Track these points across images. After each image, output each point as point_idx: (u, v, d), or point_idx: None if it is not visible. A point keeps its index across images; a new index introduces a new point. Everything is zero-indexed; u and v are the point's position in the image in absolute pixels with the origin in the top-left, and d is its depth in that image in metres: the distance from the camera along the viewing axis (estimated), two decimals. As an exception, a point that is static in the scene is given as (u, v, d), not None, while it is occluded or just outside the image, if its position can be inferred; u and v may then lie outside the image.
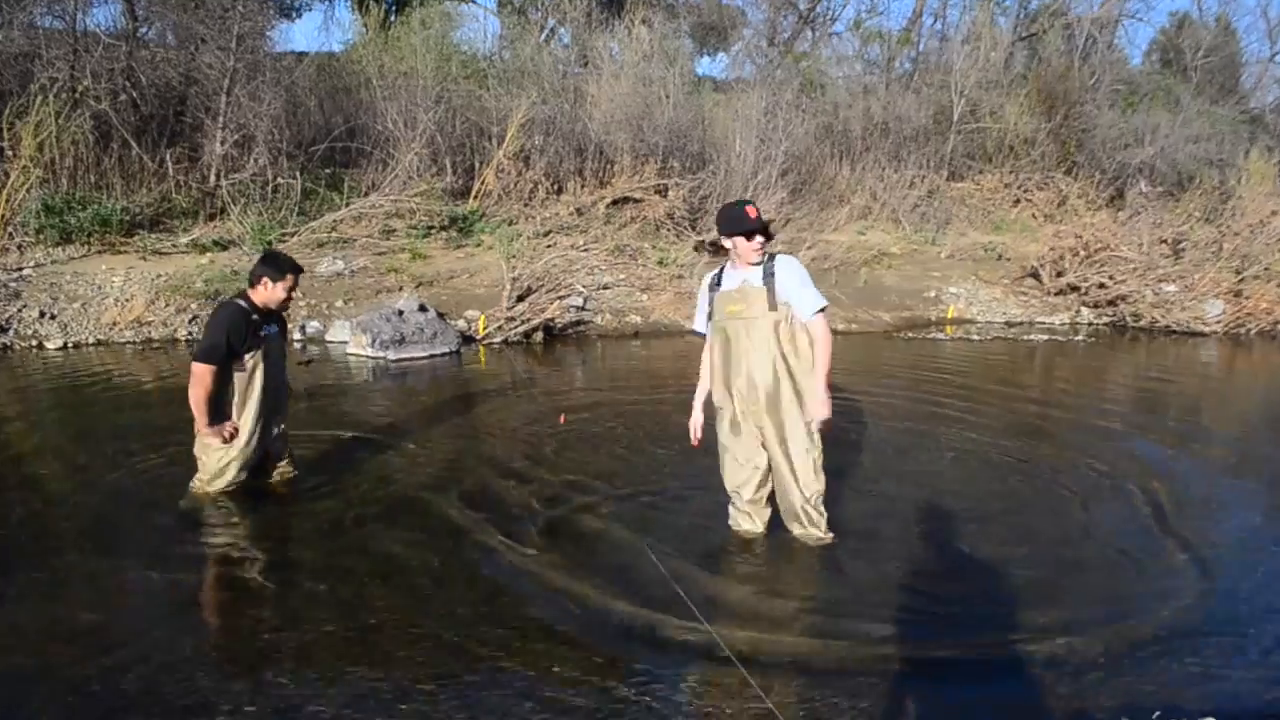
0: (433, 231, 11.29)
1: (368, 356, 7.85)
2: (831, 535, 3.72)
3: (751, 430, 3.65)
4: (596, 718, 2.56)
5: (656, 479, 4.66)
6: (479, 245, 11.16)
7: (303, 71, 12.59)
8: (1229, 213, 14.17)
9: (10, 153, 9.38)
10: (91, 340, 7.99)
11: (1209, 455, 5.53)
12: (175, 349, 8.00)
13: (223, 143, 10.67)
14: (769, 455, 3.66)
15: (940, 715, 2.69)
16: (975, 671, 2.89)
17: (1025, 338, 10.51)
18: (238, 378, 3.92)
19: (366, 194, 11.40)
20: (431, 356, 8.03)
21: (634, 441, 5.36)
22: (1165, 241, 12.63)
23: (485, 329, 8.83)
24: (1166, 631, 3.12)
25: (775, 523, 3.79)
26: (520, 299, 9.15)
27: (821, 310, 3.51)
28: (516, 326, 8.84)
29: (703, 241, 11.90)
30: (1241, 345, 10.37)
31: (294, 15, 17.90)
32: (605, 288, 10.44)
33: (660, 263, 11.22)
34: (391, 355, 7.85)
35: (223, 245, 9.89)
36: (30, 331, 7.89)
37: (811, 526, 3.69)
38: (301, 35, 41.50)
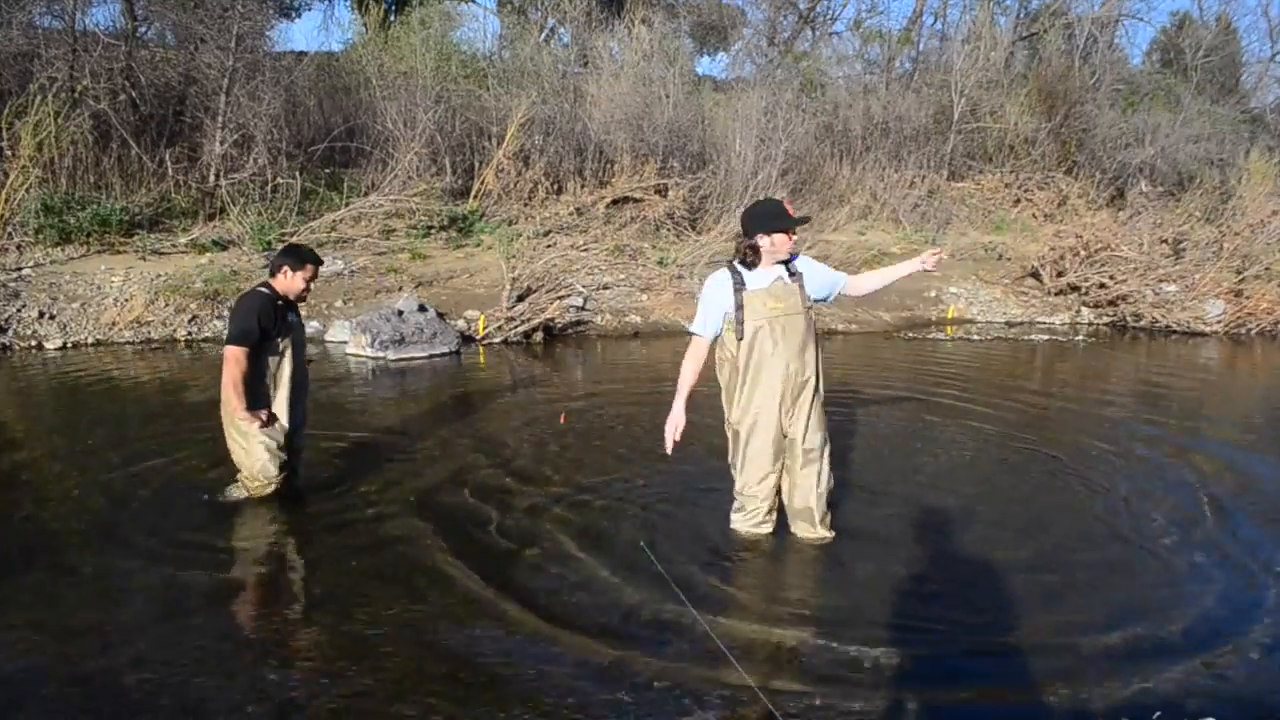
0: (432, 231, 11.29)
1: (367, 356, 7.84)
2: (832, 534, 3.73)
3: (779, 435, 3.62)
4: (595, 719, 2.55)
5: (657, 478, 4.65)
6: (479, 245, 11.15)
7: (302, 71, 12.58)
8: (1229, 212, 14.17)
9: (9, 152, 9.37)
10: (91, 340, 7.98)
11: (1213, 457, 5.52)
12: (175, 349, 7.99)
13: (222, 142, 10.66)
14: (791, 454, 3.64)
15: (940, 714, 2.68)
16: (975, 670, 2.89)
17: (1025, 338, 10.51)
18: (271, 361, 3.96)
19: (366, 194, 11.39)
20: (431, 356, 8.03)
21: (634, 441, 5.35)
22: (1166, 241, 12.62)
23: (485, 329, 8.82)
24: (1166, 631, 3.12)
25: (776, 523, 3.79)
26: (520, 299, 9.15)
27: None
28: (516, 326, 8.84)
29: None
30: (1242, 345, 10.37)
31: (294, 15, 17.91)
32: (605, 288, 10.44)
33: (660, 263, 11.22)
34: (391, 355, 7.85)
35: (222, 245, 9.88)
36: (29, 331, 7.89)
37: (819, 525, 3.70)
38: (301, 35, 41.53)
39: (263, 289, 3.99)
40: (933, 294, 12.05)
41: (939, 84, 17.16)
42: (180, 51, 11.51)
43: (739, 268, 3.59)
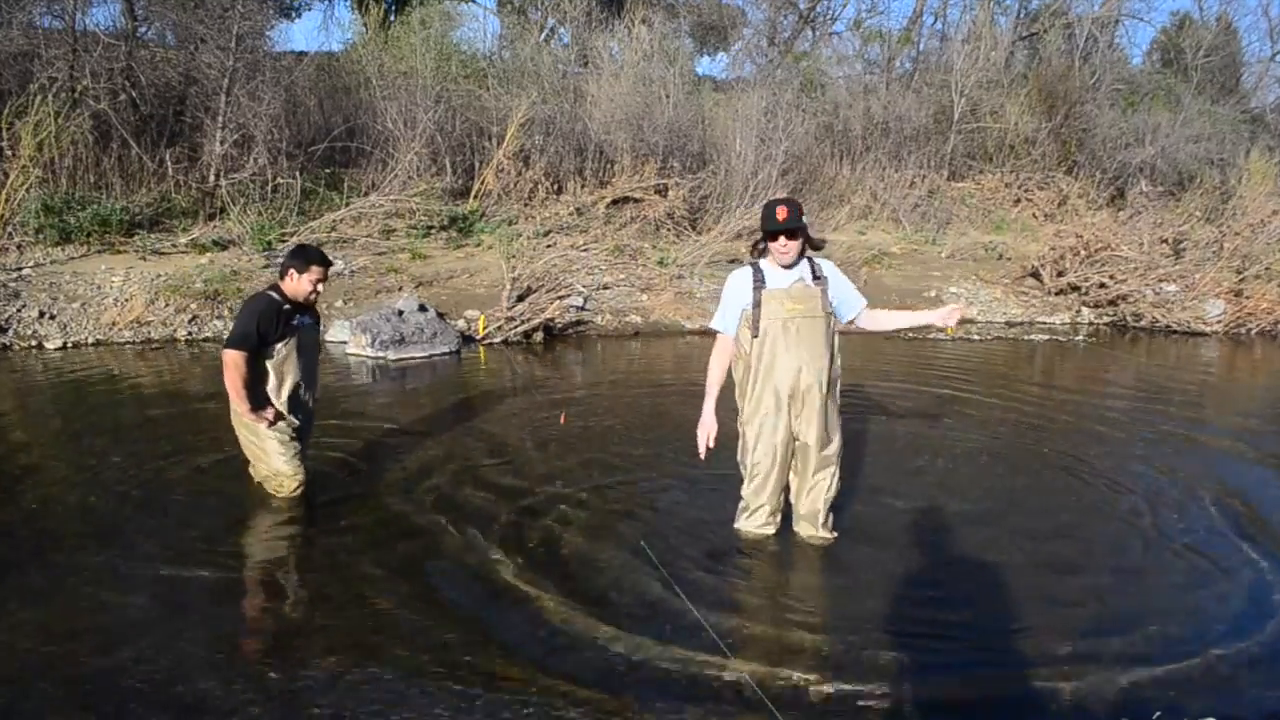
0: (433, 231, 11.29)
1: (367, 356, 7.84)
2: (835, 535, 3.73)
3: (788, 436, 3.59)
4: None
5: (658, 479, 4.65)
6: (479, 245, 11.15)
7: (302, 71, 12.58)
8: (1230, 212, 14.17)
9: (9, 152, 9.38)
10: (91, 340, 7.98)
11: (1214, 456, 5.52)
12: (175, 349, 7.99)
13: (222, 142, 10.66)
14: (802, 458, 3.63)
15: (940, 714, 2.68)
16: (974, 670, 2.89)
17: (1026, 337, 10.51)
18: (271, 365, 3.94)
19: (366, 194, 11.39)
20: (431, 356, 8.03)
21: (635, 441, 5.35)
22: (1166, 241, 12.61)
23: (485, 329, 8.82)
24: (1167, 631, 3.12)
25: (780, 524, 3.79)
26: (520, 299, 9.15)
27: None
28: (516, 326, 8.84)
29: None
30: (1242, 345, 10.37)
31: (294, 15, 17.91)
32: (605, 288, 10.43)
33: (660, 263, 11.21)
34: (391, 355, 7.85)
35: (222, 245, 9.88)
36: (30, 331, 7.89)
37: (821, 528, 3.70)
38: (301, 35, 41.54)
39: (270, 293, 3.95)
40: (933, 294, 12.05)
41: (939, 84, 17.15)
42: (180, 51, 11.51)
43: (763, 266, 3.56)
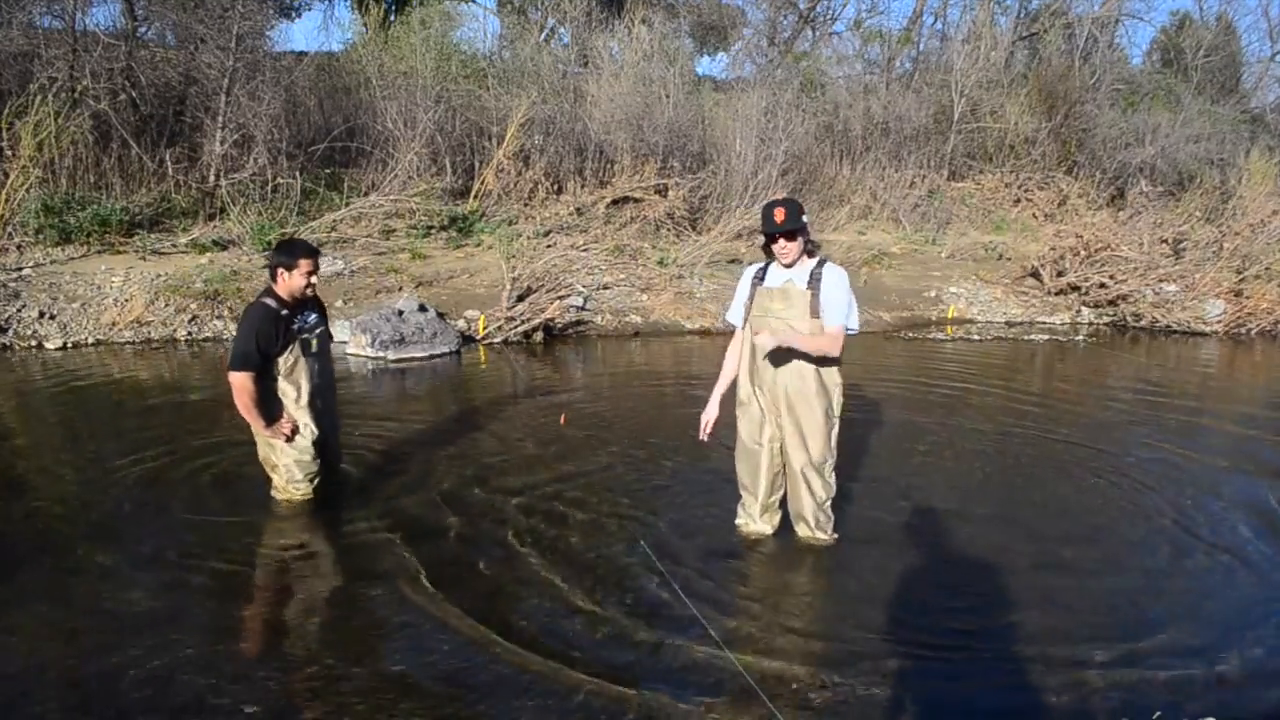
0: (432, 231, 11.28)
1: (367, 357, 7.84)
2: (836, 536, 3.73)
3: (773, 431, 3.61)
4: (595, 718, 2.55)
5: (658, 479, 4.66)
6: (479, 245, 11.14)
7: (302, 71, 12.57)
8: (1230, 212, 14.16)
9: (9, 152, 9.37)
10: (91, 340, 7.97)
11: (1214, 457, 5.52)
12: (175, 349, 7.99)
13: (222, 142, 10.66)
14: (786, 458, 3.63)
15: (939, 714, 2.68)
16: (974, 671, 2.89)
17: (1026, 337, 10.50)
18: (281, 376, 3.85)
19: (366, 194, 11.39)
20: (431, 356, 8.02)
21: (635, 441, 5.35)
22: (1166, 241, 12.61)
23: (485, 329, 8.82)
24: (1168, 632, 3.12)
25: (779, 524, 3.79)
26: (520, 299, 9.14)
27: (848, 330, 3.46)
28: (516, 326, 8.83)
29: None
30: (1242, 345, 10.36)
31: (294, 15, 17.88)
32: (605, 288, 10.43)
33: (660, 263, 11.21)
34: (391, 355, 7.85)
35: (222, 245, 9.88)
36: (30, 331, 7.88)
37: (817, 530, 3.69)
38: (301, 35, 41.59)
39: (266, 300, 3.81)
40: (933, 294, 12.05)
41: (939, 84, 17.15)
42: (180, 51, 11.50)
43: (772, 264, 3.57)
